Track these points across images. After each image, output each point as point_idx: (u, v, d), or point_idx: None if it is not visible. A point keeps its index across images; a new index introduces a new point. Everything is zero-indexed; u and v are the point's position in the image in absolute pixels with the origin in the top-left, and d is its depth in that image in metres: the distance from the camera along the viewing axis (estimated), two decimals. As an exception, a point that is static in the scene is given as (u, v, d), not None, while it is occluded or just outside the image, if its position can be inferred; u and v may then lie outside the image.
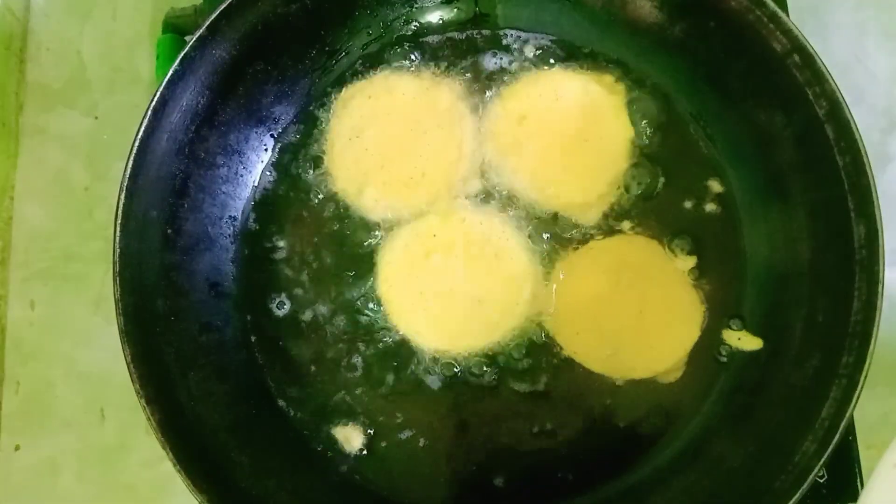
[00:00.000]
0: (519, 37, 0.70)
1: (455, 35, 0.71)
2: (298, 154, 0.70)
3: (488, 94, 0.69)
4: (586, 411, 0.65)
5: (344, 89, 0.70)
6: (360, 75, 0.71)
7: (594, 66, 0.69)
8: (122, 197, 0.58)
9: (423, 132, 0.68)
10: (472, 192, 0.67)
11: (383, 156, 0.68)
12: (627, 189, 0.67)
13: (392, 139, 0.68)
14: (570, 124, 0.68)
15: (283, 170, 0.70)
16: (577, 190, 0.67)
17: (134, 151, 0.58)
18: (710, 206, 0.67)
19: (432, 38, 0.71)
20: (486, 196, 0.67)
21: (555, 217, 0.67)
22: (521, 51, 0.70)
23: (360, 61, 0.71)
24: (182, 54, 0.60)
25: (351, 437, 0.65)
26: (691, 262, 0.66)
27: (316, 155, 0.69)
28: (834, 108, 0.57)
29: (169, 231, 0.63)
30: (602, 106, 0.68)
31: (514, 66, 0.70)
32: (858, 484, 0.64)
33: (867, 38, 0.78)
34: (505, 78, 0.70)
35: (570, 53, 0.70)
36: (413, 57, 0.70)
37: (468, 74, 0.70)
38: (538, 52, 0.70)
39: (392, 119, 0.69)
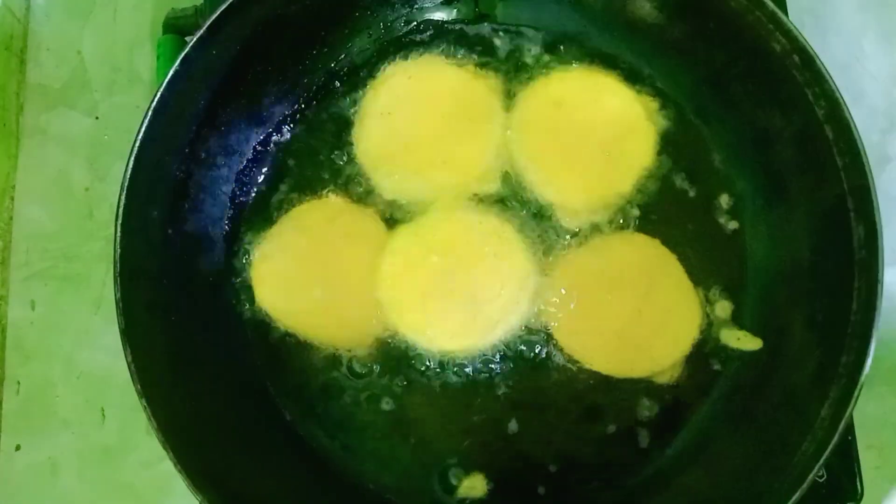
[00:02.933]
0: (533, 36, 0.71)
1: (463, 32, 0.71)
2: (301, 153, 0.70)
3: (519, 95, 0.69)
4: (587, 411, 0.65)
5: (387, 66, 0.70)
6: (399, 57, 0.70)
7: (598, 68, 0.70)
8: (123, 197, 0.58)
9: (454, 123, 0.68)
10: (485, 192, 0.67)
11: (409, 136, 0.68)
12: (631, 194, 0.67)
13: (421, 123, 0.68)
14: (598, 134, 0.68)
15: (284, 169, 0.70)
16: (594, 196, 0.67)
17: (134, 152, 0.58)
18: (711, 209, 0.67)
19: (443, 35, 0.71)
20: (499, 197, 0.67)
21: (555, 217, 0.67)
22: (534, 51, 0.70)
23: (360, 58, 0.71)
24: (182, 55, 0.60)
25: (475, 485, 0.64)
26: (728, 307, 0.66)
27: (320, 153, 0.70)
28: (833, 108, 0.57)
29: (169, 231, 0.63)
30: (635, 127, 0.68)
31: (552, 64, 0.70)
32: (858, 484, 0.64)
33: (866, 39, 0.78)
34: (534, 78, 0.70)
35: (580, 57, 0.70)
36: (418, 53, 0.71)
37: (506, 72, 0.70)
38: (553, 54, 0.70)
39: (426, 103, 0.69)
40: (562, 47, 0.70)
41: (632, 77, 0.69)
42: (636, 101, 0.68)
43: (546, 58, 0.70)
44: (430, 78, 0.70)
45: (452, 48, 0.70)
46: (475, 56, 0.70)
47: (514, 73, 0.70)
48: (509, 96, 0.69)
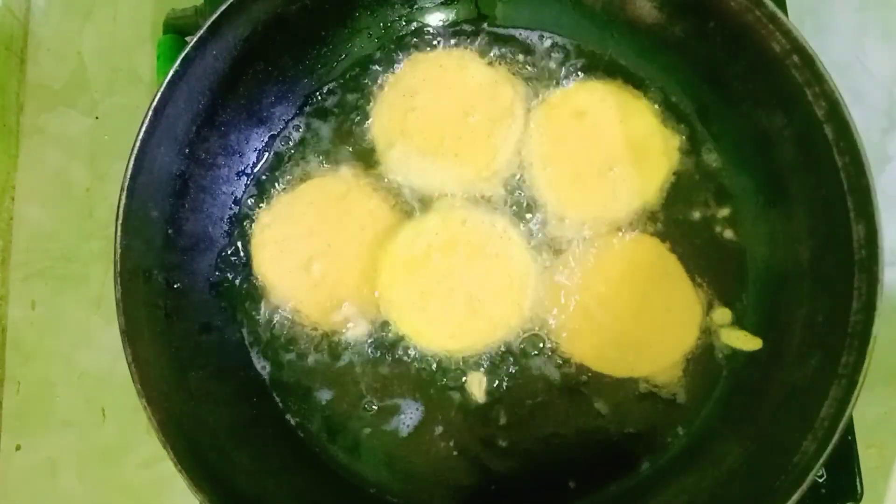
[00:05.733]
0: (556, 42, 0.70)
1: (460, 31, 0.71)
2: (300, 152, 0.70)
3: (535, 101, 0.69)
4: (587, 411, 0.65)
5: (417, 52, 0.71)
6: (434, 46, 0.71)
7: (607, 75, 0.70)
8: (123, 197, 0.58)
9: (474, 119, 0.68)
10: (490, 195, 0.67)
11: (427, 122, 0.68)
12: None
13: (442, 112, 0.68)
14: (612, 154, 0.67)
15: (283, 169, 0.70)
16: (590, 214, 0.67)
17: (134, 152, 0.58)
18: (711, 209, 0.67)
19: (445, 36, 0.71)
20: (504, 198, 0.67)
21: (557, 218, 0.67)
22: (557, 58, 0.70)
23: (360, 58, 0.71)
24: (182, 55, 0.60)
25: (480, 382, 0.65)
26: (728, 308, 0.65)
27: (320, 152, 0.70)
28: (833, 108, 0.57)
29: (169, 231, 0.63)
30: (650, 158, 0.67)
31: (581, 75, 0.70)
32: (858, 484, 0.64)
33: (867, 39, 0.78)
34: (560, 86, 0.70)
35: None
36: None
37: (536, 79, 0.70)
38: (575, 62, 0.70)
39: (451, 94, 0.69)
40: (592, 57, 0.70)
41: (664, 108, 0.69)
42: (659, 132, 0.68)
43: (576, 68, 0.70)
44: (461, 71, 0.69)
45: (483, 48, 0.70)
46: (508, 57, 0.70)
47: (543, 79, 0.69)
48: (533, 100, 0.69)
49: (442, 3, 0.71)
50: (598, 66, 0.70)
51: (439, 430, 0.65)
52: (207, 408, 0.61)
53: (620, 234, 0.66)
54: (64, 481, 0.74)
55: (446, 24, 0.71)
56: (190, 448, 0.56)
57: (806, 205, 0.62)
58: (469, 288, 0.65)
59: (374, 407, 0.66)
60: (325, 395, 0.66)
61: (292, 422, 0.66)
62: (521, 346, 0.65)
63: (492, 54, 0.70)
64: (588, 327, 0.65)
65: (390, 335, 0.66)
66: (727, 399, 0.64)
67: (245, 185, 0.69)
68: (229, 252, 0.68)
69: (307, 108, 0.70)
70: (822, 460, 0.53)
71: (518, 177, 0.68)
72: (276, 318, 0.67)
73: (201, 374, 0.62)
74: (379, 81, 0.70)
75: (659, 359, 0.65)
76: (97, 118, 0.80)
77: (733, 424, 0.63)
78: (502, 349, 0.65)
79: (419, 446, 0.65)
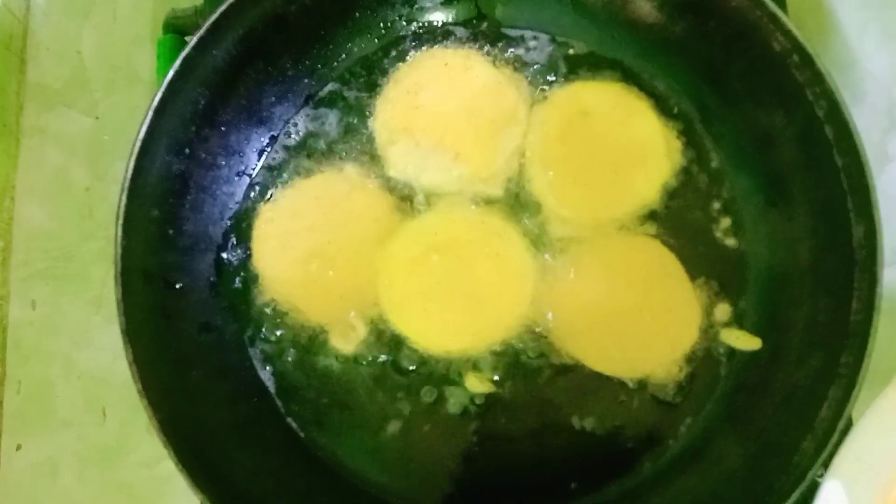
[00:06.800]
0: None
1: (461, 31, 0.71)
2: (300, 153, 0.70)
3: (536, 101, 0.69)
4: (586, 411, 0.65)
5: (426, 49, 0.71)
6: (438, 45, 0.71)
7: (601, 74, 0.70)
8: (123, 197, 0.58)
9: (477, 119, 0.68)
10: (490, 194, 0.67)
11: (430, 121, 0.68)
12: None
13: (445, 110, 0.68)
14: (614, 155, 0.67)
15: (283, 170, 0.70)
16: (589, 213, 0.67)
17: (135, 151, 0.59)
18: (711, 209, 0.67)
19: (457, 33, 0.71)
20: (504, 199, 0.67)
21: (557, 218, 0.67)
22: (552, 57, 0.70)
23: (361, 58, 0.71)
24: (183, 55, 0.60)
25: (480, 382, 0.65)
26: (728, 307, 0.65)
27: (320, 154, 0.70)
28: (833, 108, 0.57)
29: (170, 231, 0.63)
30: (651, 159, 0.67)
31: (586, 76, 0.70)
32: (858, 483, 0.64)
33: (867, 38, 0.78)
34: (564, 86, 0.69)
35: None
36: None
37: (540, 80, 0.70)
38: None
39: (455, 93, 0.69)
40: (593, 57, 0.70)
41: (664, 108, 0.69)
42: (661, 133, 0.68)
43: (577, 69, 0.70)
44: (466, 71, 0.69)
45: (483, 47, 0.70)
46: (508, 57, 0.70)
47: (543, 80, 0.69)
48: (536, 101, 0.69)
49: (442, 3, 0.71)
50: (598, 67, 0.70)
51: (439, 430, 0.65)
52: (207, 408, 0.61)
53: (621, 234, 0.66)
54: (64, 481, 0.73)
55: (447, 23, 0.71)
56: (190, 448, 0.56)
57: (806, 205, 0.62)
58: (469, 288, 0.65)
59: (374, 407, 0.65)
60: (324, 395, 0.66)
61: (293, 422, 0.66)
62: (521, 346, 0.65)
63: (492, 54, 0.70)
64: (588, 327, 0.65)
65: (389, 335, 0.66)
66: (727, 399, 0.64)
67: (245, 185, 0.69)
68: (229, 252, 0.68)
69: (308, 108, 0.70)
70: (821, 460, 0.53)
71: (518, 177, 0.68)
72: (277, 318, 0.67)
73: (201, 374, 0.62)
74: (379, 80, 0.70)
75: (659, 359, 0.65)
76: (97, 118, 0.80)
77: (734, 424, 0.63)
78: (502, 349, 0.65)
79: (420, 447, 0.65)
